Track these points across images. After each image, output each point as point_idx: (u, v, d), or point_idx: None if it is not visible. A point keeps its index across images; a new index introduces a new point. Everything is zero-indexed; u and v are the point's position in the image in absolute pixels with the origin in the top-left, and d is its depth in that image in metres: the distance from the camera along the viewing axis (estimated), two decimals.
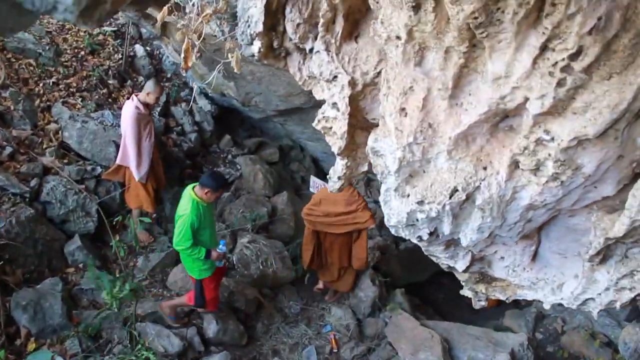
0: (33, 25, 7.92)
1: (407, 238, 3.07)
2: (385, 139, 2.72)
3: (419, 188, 2.71)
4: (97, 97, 7.76)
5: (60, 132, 7.23)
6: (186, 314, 6.68)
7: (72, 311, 6.04)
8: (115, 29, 8.67)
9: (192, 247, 5.53)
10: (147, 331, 6.19)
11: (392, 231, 3.09)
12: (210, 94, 9.08)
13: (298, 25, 2.89)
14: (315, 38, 2.91)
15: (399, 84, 2.53)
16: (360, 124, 3.05)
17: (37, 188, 6.62)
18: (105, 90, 7.88)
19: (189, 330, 6.47)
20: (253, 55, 3.15)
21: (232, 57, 3.75)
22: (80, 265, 6.56)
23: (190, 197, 5.55)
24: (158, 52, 8.96)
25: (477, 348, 7.10)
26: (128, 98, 7.94)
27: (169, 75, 8.96)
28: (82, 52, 8.10)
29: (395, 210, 2.89)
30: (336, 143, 3.03)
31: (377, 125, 2.93)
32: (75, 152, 7.27)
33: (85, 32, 8.34)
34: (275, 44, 3.12)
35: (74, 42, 8.15)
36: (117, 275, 6.57)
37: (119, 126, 7.40)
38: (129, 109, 6.59)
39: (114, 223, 6.85)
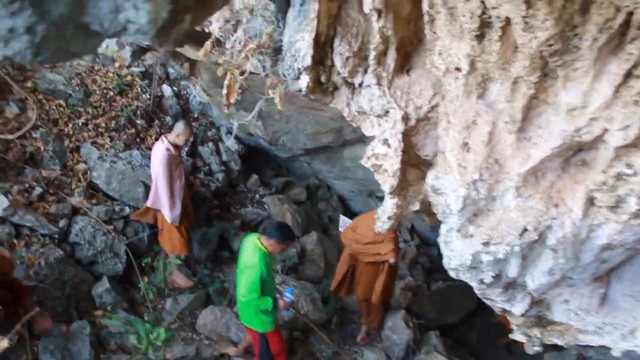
0: (63, 67, 7.97)
1: (467, 281, 2.89)
2: (447, 176, 2.58)
3: (484, 228, 2.55)
4: (125, 137, 7.72)
5: (88, 172, 7.18)
6: (216, 359, 6.50)
7: (100, 355, 5.88)
8: (143, 69, 8.68)
9: (259, 298, 5.25)
10: None
11: (452, 274, 2.92)
12: (237, 134, 9.02)
13: (347, 58, 2.79)
14: (365, 72, 2.81)
15: (461, 118, 2.40)
16: (412, 160, 2.92)
17: (66, 229, 6.55)
18: (133, 130, 7.85)
19: None
20: (300, 91, 3.04)
21: (273, 93, 3.65)
22: (108, 308, 6.41)
23: (256, 246, 5.29)
24: (185, 92, 8.95)
25: None
26: (157, 139, 7.91)
27: (195, 115, 8.93)
28: (111, 93, 8.10)
29: (457, 252, 2.72)
30: (387, 181, 2.89)
31: (429, 162, 2.79)
32: (103, 192, 7.20)
33: (113, 72, 8.36)
34: (322, 78, 3.02)
35: (103, 83, 8.17)
36: (146, 319, 6.42)
37: (148, 166, 7.34)
38: (160, 151, 6.44)
39: (143, 264, 6.73)
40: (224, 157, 8.73)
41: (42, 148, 6.99)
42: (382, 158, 2.90)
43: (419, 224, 9.78)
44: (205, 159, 8.52)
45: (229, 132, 8.96)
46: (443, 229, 2.79)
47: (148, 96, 8.33)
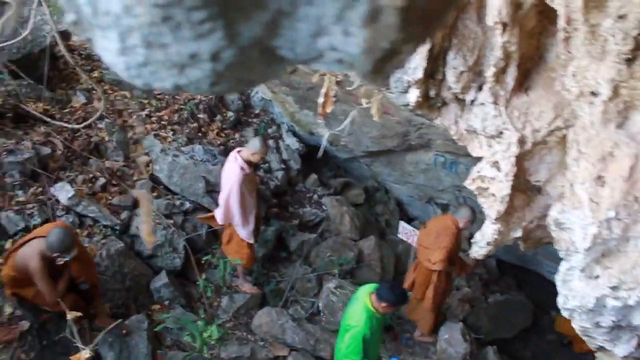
0: None
1: (578, 322, 2.66)
2: (575, 211, 2.37)
3: (614, 270, 2.33)
4: (187, 130, 7.67)
5: (150, 165, 7.14)
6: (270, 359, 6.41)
7: (156, 351, 5.83)
8: None
9: None
10: None
11: (565, 314, 2.70)
12: (297, 132, 8.90)
13: (461, 73, 2.60)
14: (480, 88, 2.61)
15: (596, 148, 2.19)
16: (521, 186, 2.72)
17: (127, 221, 6.53)
18: (195, 124, 7.79)
19: None
20: (407, 105, 2.86)
21: (368, 103, 3.47)
22: (166, 303, 6.37)
23: (365, 306, 4.92)
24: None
25: None
26: (218, 134, 7.86)
27: (257, 112, 8.83)
28: None
29: (578, 293, 2.50)
30: (493, 206, 2.70)
31: (538, 187, 2.58)
32: (164, 186, 7.16)
33: None
34: (432, 92, 2.83)
35: None
36: (202, 316, 6.35)
37: (209, 162, 7.28)
38: (234, 171, 6.13)
39: (203, 262, 6.67)
40: (284, 156, 8.60)
41: (106, 138, 6.99)
42: (490, 181, 2.71)
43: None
44: (266, 156, 8.40)
45: (290, 130, 8.84)
46: (563, 266, 2.57)
47: None
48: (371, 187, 9.77)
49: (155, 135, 7.37)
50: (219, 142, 7.84)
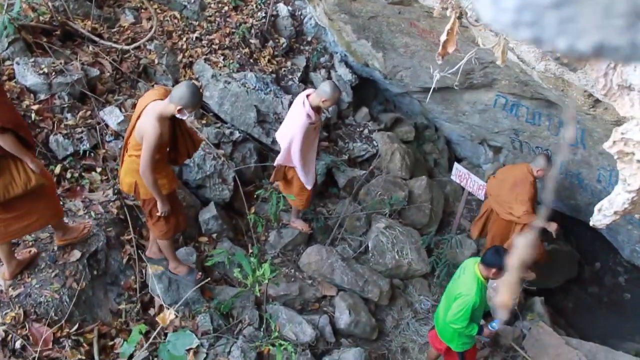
0: None
1: None
2: None
3: None
4: (238, 56, 7.31)
5: (201, 91, 6.85)
6: (318, 300, 6.29)
7: (205, 285, 5.71)
8: None
9: (466, 327, 4.90)
10: (278, 315, 5.82)
11: None
12: (350, 63, 8.48)
13: None
14: None
15: None
16: None
17: None
18: (247, 50, 7.42)
19: (321, 319, 6.05)
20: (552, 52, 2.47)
21: (486, 45, 3.08)
22: (214, 236, 6.21)
23: (475, 276, 4.82)
24: (300, 13, 8.39)
25: None
26: (269, 61, 7.49)
27: (309, 39, 8.40)
28: (226, 8, 7.65)
29: None
30: (636, 176, 2.36)
31: None
32: (214, 114, 6.89)
33: None
34: None
35: None
36: (254, 252, 6.19)
37: (262, 90, 6.96)
38: (300, 116, 5.63)
39: (255, 196, 6.46)
40: None
41: (155, 61, 6.68)
42: (637, 146, 2.36)
43: None
44: (316, 86, 8.03)
45: (343, 60, 8.42)
46: None
47: (263, 14, 7.83)
48: (420, 124, 9.41)
49: (206, 60, 7.04)
50: (270, 70, 7.48)
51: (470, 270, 4.86)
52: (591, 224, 2.80)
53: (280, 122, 6.95)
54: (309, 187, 6.12)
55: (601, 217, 2.67)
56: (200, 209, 6.27)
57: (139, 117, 4.38)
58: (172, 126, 4.49)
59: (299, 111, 5.69)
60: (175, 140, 4.65)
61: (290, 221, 6.72)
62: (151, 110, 4.28)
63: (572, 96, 4.73)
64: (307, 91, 5.79)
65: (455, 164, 7.43)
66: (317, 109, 5.73)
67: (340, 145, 7.91)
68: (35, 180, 4.26)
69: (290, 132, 5.74)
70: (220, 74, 6.89)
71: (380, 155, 8.03)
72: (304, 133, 5.67)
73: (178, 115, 4.26)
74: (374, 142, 8.13)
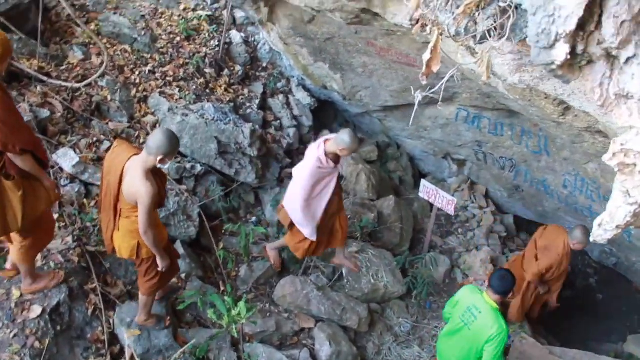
0: (127, 9, 7.31)
1: None
2: None
3: None
4: (194, 87, 7.09)
5: (158, 125, 6.61)
6: (297, 334, 6.07)
7: (177, 329, 5.44)
8: (210, 13, 7.97)
9: None
10: (257, 353, 5.57)
11: None
12: (309, 86, 8.34)
13: (623, 23, 2.09)
14: None
15: None
16: None
17: None
18: (202, 80, 7.20)
19: (302, 354, 5.83)
20: (550, 64, 2.33)
21: (476, 60, 2.94)
22: (183, 276, 5.93)
23: (493, 309, 4.66)
24: (253, 39, 8.23)
25: None
26: (226, 90, 7.31)
27: (265, 65, 8.23)
28: (178, 38, 7.44)
29: None
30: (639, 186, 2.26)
31: None
32: None
33: (179, 16, 7.68)
34: (579, 48, 2.33)
35: (169, 27, 7.50)
36: (222, 289, 5.95)
37: (221, 120, 6.76)
38: (311, 160, 5.38)
39: (223, 231, 6.23)
40: (295, 112, 8.07)
41: (109, 98, 6.42)
42: (639, 156, 2.26)
43: (494, 190, 9.16)
44: (276, 112, 7.88)
45: (300, 84, 8.29)
46: None
47: (217, 42, 7.64)
48: (382, 142, 9.32)
49: (161, 93, 6.80)
50: (228, 99, 7.28)
51: (485, 307, 4.67)
52: (591, 239, 2.69)
53: (243, 153, 6.78)
54: (311, 238, 5.75)
55: (602, 232, 2.56)
56: None
57: (120, 179, 4.18)
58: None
59: (311, 154, 5.44)
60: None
61: (267, 247, 6.43)
62: (134, 170, 4.09)
63: (540, 105, 4.68)
64: (327, 136, 5.52)
65: (423, 181, 7.33)
66: (334, 158, 5.46)
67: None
68: (53, 197, 4.47)
69: (300, 176, 5.50)
70: (177, 107, 6.66)
71: (345, 177, 7.88)
72: (311, 176, 5.40)
73: (159, 166, 4.08)
74: (338, 166, 7.96)
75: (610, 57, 2.31)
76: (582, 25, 2.21)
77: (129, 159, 4.16)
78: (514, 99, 5.07)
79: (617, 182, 2.43)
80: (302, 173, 5.45)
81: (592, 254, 9.15)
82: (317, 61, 7.43)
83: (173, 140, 4.05)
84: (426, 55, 2.94)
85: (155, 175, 4.20)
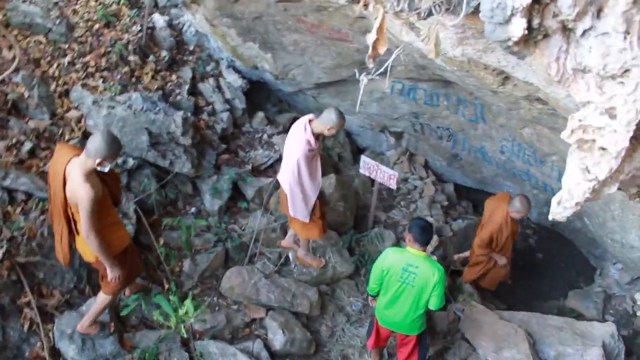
0: None
1: None
2: None
3: None
4: (119, 77, 6.72)
5: (83, 120, 6.23)
6: (248, 325, 5.92)
7: (123, 334, 5.19)
8: None
9: None
10: (209, 350, 5.41)
11: None
12: (239, 67, 8.06)
13: None
14: (598, 13, 2.02)
15: None
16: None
17: None
18: (127, 69, 6.82)
19: (255, 345, 5.68)
20: (507, 40, 2.18)
21: (427, 39, 2.78)
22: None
23: (426, 258, 4.92)
24: (178, 21, 7.86)
25: (563, 342, 6.40)
26: (153, 77, 6.97)
27: (192, 48, 7.88)
28: (97, 25, 7.00)
29: None
30: (601, 163, 2.18)
31: None
32: None
33: (96, 1, 7.23)
34: (535, 22, 2.19)
35: (86, 14, 7.04)
36: (167, 287, 5.72)
37: (150, 110, 6.44)
38: (300, 142, 5.34)
39: (162, 226, 5.97)
40: (227, 95, 7.79)
41: (26, 94, 5.98)
42: (597, 132, 2.18)
43: (433, 160, 9.19)
44: (207, 97, 7.57)
45: (230, 65, 7.99)
46: None
47: (139, 27, 7.25)
48: None
49: (83, 86, 6.40)
50: (156, 87, 6.93)
51: (419, 260, 4.85)
52: (550, 218, 2.63)
53: (176, 142, 6.50)
54: (304, 220, 5.78)
55: (561, 209, 2.50)
56: None
57: (64, 183, 4.14)
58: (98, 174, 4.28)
59: (299, 137, 5.38)
60: (106, 184, 4.40)
61: (301, 256, 6.47)
62: (74, 173, 4.07)
63: (478, 76, 4.63)
64: (309, 116, 5.52)
65: (363, 157, 7.23)
66: (317, 136, 5.42)
67: (242, 155, 7.51)
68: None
69: (292, 162, 5.41)
70: (101, 99, 6.29)
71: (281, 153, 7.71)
72: (305, 160, 5.37)
73: (99, 168, 4.06)
74: (276, 147, 7.79)
75: (566, 30, 2.21)
76: None
77: (68, 161, 4.12)
78: (451, 70, 5.00)
79: (574, 158, 2.37)
80: (294, 159, 5.38)
81: (531, 216, 9.33)
82: (247, 41, 7.16)
83: (112, 144, 4.02)
84: (371, 37, 2.77)
85: (105, 175, 4.28)
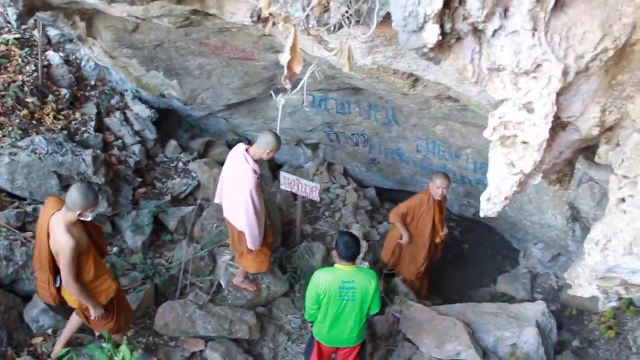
0: None
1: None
2: None
3: None
4: (17, 121, 6.38)
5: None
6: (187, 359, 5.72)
7: None
8: (19, 35, 7.21)
9: None
10: None
11: None
12: (145, 97, 7.84)
13: None
14: (505, 13, 2.05)
15: None
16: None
17: None
18: (25, 112, 6.48)
19: None
20: (423, 47, 2.17)
21: (335, 52, 2.74)
22: (49, 332, 5.37)
23: (358, 270, 4.97)
24: (75, 57, 7.57)
25: (500, 327, 6.59)
26: (55, 117, 6.68)
27: (93, 83, 7.60)
28: None
29: None
30: (525, 156, 2.22)
31: (565, 124, 2.14)
32: (7, 193, 5.95)
33: None
34: (447, 27, 2.19)
35: None
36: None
37: (57, 152, 6.15)
38: (247, 174, 5.32)
39: None
40: (136, 126, 7.56)
41: None
42: (517, 127, 2.21)
43: (351, 167, 9.27)
44: (116, 131, 7.32)
45: (136, 96, 7.77)
46: None
47: (33, 67, 6.92)
48: (232, 141, 9.07)
49: None
50: (59, 127, 6.63)
51: (352, 274, 4.85)
52: (482, 214, 2.67)
53: (89, 182, 6.23)
54: (255, 249, 5.78)
55: (491, 205, 2.54)
56: (24, 307, 5.39)
57: (48, 235, 4.42)
58: (84, 226, 4.55)
59: (242, 169, 5.36)
60: (90, 235, 4.65)
61: (237, 282, 6.41)
62: (56, 224, 4.35)
63: (388, 80, 4.69)
64: (241, 146, 5.51)
65: (282, 173, 7.18)
66: (256, 162, 5.43)
67: (159, 187, 7.30)
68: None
69: (243, 196, 5.34)
70: (1, 147, 5.95)
71: (203, 185, 7.56)
72: (256, 190, 5.37)
73: (82, 218, 4.37)
74: (193, 173, 7.64)
75: (477, 32, 2.25)
76: (447, 2, 2.11)
77: (52, 214, 4.40)
78: (360, 77, 5.05)
79: (498, 155, 2.41)
80: (246, 192, 5.32)
81: (453, 209, 9.57)
82: (150, 70, 6.99)
83: (88, 195, 4.30)
84: (285, 57, 2.72)
85: (89, 228, 4.63)
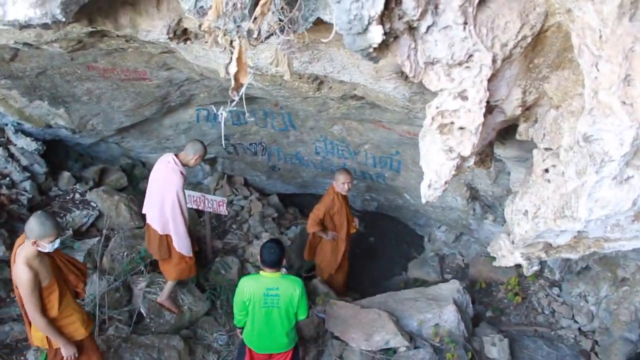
0: None
1: (591, 231, 2.50)
2: (607, 118, 2.12)
3: None
4: None
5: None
6: None
7: None
8: None
9: None
10: None
11: (581, 226, 2.49)
12: (29, 130, 7.39)
13: None
14: (436, 10, 2.15)
15: (615, 48, 1.93)
16: None
17: None
18: None
19: None
20: (368, 49, 2.20)
21: (276, 62, 2.73)
22: None
23: (283, 278, 5.06)
24: None
25: (421, 310, 6.86)
26: None
27: None
28: None
29: (610, 201, 2.32)
30: (463, 142, 2.34)
31: (492, 107, 2.30)
32: None
33: None
34: (386, 27, 2.25)
35: None
36: None
37: None
38: (174, 178, 5.54)
39: None
40: (23, 162, 7.12)
41: None
42: (453, 114, 2.33)
43: (252, 176, 9.26)
44: (1, 169, 6.86)
45: (18, 129, 7.31)
46: (593, 178, 2.35)
47: None
48: (126, 165, 8.80)
49: None
50: None
51: (276, 281, 4.93)
52: (424, 201, 2.79)
53: None
54: (189, 255, 5.91)
55: (432, 191, 2.67)
56: None
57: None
58: (53, 261, 4.43)
59: (170, 171, 5.57)
60: (61, 272, 4.53)
61: (159, 300, 6.31)
62: (18, 257, 4.19)
63: (293, 86, 4.74)
64: (168, 155, 5.70)
65: (187, 192, 7.04)
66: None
67: (59, 222, 6.92)
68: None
69: (171, 197, 5.54)
70: None
71: (105, 214, 7.26)
72: (182, 192, 5.61)
73: (39, 249, 4.13)
74: (92, 203, 7.31)
75: (412, 30, 2.36)
76: (385, 3, 2.19)
77: (19, 246, 4.24)
78: (261, 86, 5.06)
79: (436, 142, 2.54)
80: (173, 193, 5.54)
81: (355, 205, 9.80)
82: (34, 100, 6.61)
83: (45, 223, 4.08)
84: (232, 69, 2.70)
85: (58, 261, 4.51)
